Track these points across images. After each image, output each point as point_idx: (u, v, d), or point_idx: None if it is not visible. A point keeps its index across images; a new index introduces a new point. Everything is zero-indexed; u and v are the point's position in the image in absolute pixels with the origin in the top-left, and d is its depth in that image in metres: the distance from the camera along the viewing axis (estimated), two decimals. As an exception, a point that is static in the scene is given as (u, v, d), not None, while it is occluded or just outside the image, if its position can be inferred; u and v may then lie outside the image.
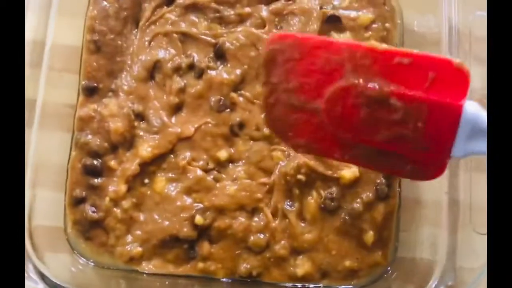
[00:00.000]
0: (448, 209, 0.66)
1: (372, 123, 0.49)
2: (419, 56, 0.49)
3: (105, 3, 0.70)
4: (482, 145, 0.47)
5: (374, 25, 0.71)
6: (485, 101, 0.47)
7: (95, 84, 0.68)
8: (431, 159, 0.50)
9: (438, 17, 0.72)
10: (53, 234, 0.66)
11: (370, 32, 0.71)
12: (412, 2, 0.74)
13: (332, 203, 0.66)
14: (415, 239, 0.70)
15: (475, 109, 0.47)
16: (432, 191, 0.70)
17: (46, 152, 0.66)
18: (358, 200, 0.67)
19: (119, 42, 0.70)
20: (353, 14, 0.71)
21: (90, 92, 0.68)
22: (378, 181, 0.68)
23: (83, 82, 0.68)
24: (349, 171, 0.67)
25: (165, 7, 0.71)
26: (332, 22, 0.70)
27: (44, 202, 0.65)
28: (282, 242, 0.66)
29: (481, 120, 0.46)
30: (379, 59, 0.49)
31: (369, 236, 0.67)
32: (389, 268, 0.68)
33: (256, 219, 0.66)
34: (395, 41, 0.72)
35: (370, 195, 0.67)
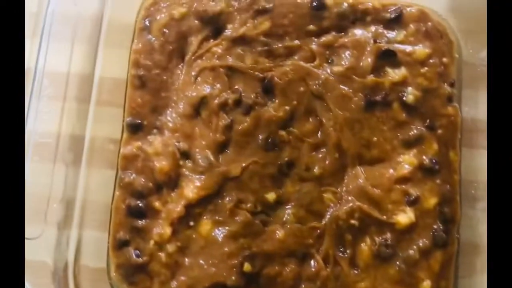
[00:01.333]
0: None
1: None
2: None
3: (150, 36, 0.68)
4: None
5: (430, 60, 0.68)
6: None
7: (139, 121, 0.66)
8: None
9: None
10: (97, 276, 0.64)
11: (426, 68, 0.67)
12: (471, 35, 0.70)
13: (387, 250, 0.63)
14: (475, 287, 0.66)
15: None
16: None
17: (91, 190, 0.65)
18: (414, 247, 0.63)
19: (164, 77, 0.68)
20: (408, 48, 0.68)
21: (135, 129, 0.66)
22: (435, 227, 0.64)
23: (128, 119, 0.66)
24: (405, 216, 0.63)
25: (211, 40, 0.69)
26: (387, 56, 0.67)
27: (89, 242, 0.64)
28: (334, 291, 0.62)
29: None
30: None
31: (426, 285, 0.63)
32: (447, 320, 0.64)
33: (306, 266, 0.63)
34: (453, 76, 0.68)
35: (427, 242, 0.64)
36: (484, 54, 0.70)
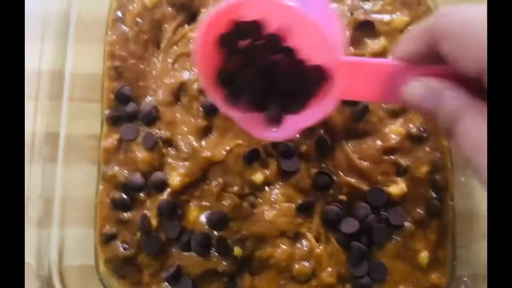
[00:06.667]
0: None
1: None
2: None
3: (123, 27, 0.67)
4: None
5: (409, 28, 0.66)
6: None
7: (119, 113, 0.65)
8: None
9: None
10: (85, 273, 0.62)
11: (406, 35, 0.66)
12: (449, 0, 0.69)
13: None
14: (475, 255, 0.64)
15: None
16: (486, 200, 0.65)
17: (72, 187, 0.63)
18: (408, 218, 0.62)
19: (141, 66, 0.66)
20: (386, 17, 0.66)
21: (114, 122, 0.65)
22: (428, 195, 0.63)
23: (106, 112, 0.65)
24: (396, 187, 0.62)
25: (186, 26, 0.68)
26: (365, 28, 0.66)
27: (73, 240, 0.62)
28: (329, 269, 0.60)
29: None
30: None
31: (424, 256, 0.61)
32: (448, 290, 0.62)
33: (299, 245, 0.61)
34: (434, 42, 0.67)
35: (421, 211, 0.62)
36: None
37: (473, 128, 0.39)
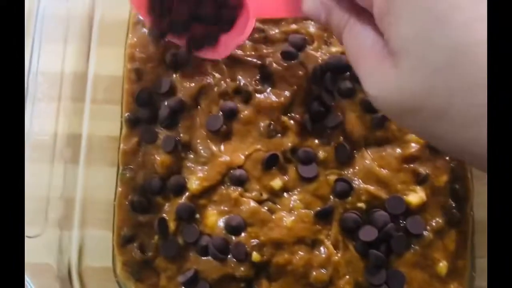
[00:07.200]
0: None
1: None
2: None
3: (144, 30, 0.68)
4: None
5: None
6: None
7: (138, 116, 0.65)
8: None
9: None
10: (104, 275, 0.63)
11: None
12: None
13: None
14: (493, 267, 0.63)
15: None
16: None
17: (93, 188, 0.64)
18: (427, 227, 0.61)
19: (161, 69, 0.67)
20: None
21: (134, 124, 0.65)
22: (447, 205, 0.62)
23: (126, 114, 0.65)
24: (415, 196, 0.61)
25: (206, 29, 0.68)
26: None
27: (93, 241, 0.63)
28: (347, 276, 0.60)
29: None
30: None
31: (442, 266, 0.61)
32: (466, 301, 0.62)
33: (317, 252, 0.61)
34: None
35: (440, 221, 0.62)
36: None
37: (353, 34, 0.42)
